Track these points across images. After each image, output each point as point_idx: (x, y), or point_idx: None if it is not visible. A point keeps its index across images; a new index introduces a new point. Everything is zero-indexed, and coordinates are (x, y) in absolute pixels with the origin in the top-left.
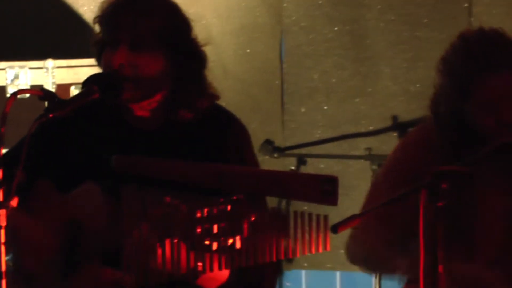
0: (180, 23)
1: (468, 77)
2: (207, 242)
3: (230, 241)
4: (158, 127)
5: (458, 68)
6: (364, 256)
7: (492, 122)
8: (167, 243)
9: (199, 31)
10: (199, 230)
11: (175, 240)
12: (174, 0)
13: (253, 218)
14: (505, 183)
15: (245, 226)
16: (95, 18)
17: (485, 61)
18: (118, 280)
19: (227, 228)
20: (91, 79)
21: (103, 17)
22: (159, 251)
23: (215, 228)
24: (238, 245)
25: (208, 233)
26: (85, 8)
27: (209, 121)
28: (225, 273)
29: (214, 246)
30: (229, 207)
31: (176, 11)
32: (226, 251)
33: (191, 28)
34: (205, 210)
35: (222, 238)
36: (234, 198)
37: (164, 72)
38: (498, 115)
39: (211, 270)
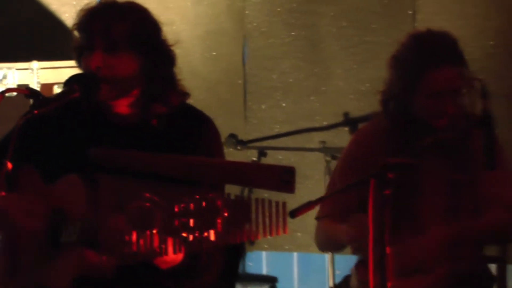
0: (150, 27)
1: (417, 71)
2: (184, 235)
3: (201, 233)
4: (134, 122)
5: (408, 63)
6: (322, 238)
7: (437, 113)
8: (142, 234)
9: (169, 36)
10: (176, 223)
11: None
12: (146, 7)
13: (226, 214)
14: (446, 171)
15: (219, 220)
16: (73, 25)
17: (431, 57)
18: (98, 262)
19: (202, 222)
20: (72, 79)
21: (80, 24)
22: (133, 239)
23: (191, 222)
24: (212, 237)
25: (184, 227)
26: (67, 15)
27: (182, 118)
28: (180, 255)
29: (190, 238)
30: (204, 203)
31: (146, 16)
32: (197, 240)
33: (161, 31)
34: (182, 205)
35: (198, 232)
36: (210, 195)
37: (138, 72)
38: (442, 106)
39: (175, 253)
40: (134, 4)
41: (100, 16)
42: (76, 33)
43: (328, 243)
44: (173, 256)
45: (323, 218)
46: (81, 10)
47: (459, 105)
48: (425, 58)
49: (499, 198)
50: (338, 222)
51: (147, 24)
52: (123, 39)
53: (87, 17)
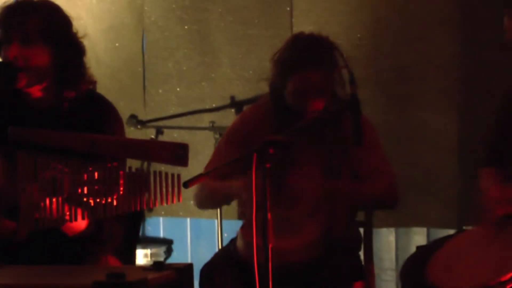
0: (61, 21)
1: (286, 71)
2: (85, 199)
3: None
4: (48, 105)
5: (281, 63)
6: (205, 193)
7: (301, 109)
8: (54, 200)
9: (79, 29)
10: (80, 190)
11: (60, 198)
12: (57, 3)
13: (122, 181)
14: (317, 149)
15: (116, 187)
16: None
17: (299, 60)
18: (14, 229)
19: (103, 189)
20: None
21: (0, 20)
22: (47, 206)
23: (96, 189)
24: (114, 203)
25: (88, 193)
26: None
27: (89, 102)
28: (83, 223)
29: (91, 203)
30: (103, 172)
31: (57, 12)
32: (101, 206)
33: (71, 25)
34: (87, 174)
35: (98, 198)
36: (109, 165)
37: (51, 61)
38: (305, 104)
39: (82, 219)
40: (46, 2)
41: (16, 12)
42: None
43: (212, 198)
44: (79, 224)
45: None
46: (1, 7)
47: (324, 101)
48: (294, 61)
49: (369, 169)
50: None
51: (59, 19)
52: (36, 32)
53: (5, 13)
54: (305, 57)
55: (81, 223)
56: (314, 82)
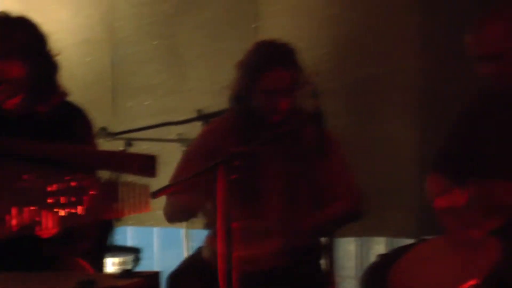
0: (37, 38)
1: (255, 72)
2: (56, 209)
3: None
4: (22, 117)
5: (249, 65)
6: (174, 208)
7: (271, 108)
8: (25, 209)
9: (52, 44)
10: (51, 199)
11: (32, 207)
12: (33, 20)
13: (92, 192)
14: (283, 159)
15: (86, 197)
16: None
17: (267, 60)
18: None
19: (74, 199)
20: None
21: None
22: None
23: (63, 199)
24: (81, 213)
25: (59, 202)
26: None
27: (62, 114)
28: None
29: (62, 212)
30: (74, 183)
31: (34, 29)
32: (71, 215)
33: (47, 42)
34: (55, 185)
35: (69, 208)
36: (80, 176)
37: (27, 75)
38: (275, 103)
39: (51, 227)
40: (24, 19)
41: None
42: None
43: (180, 212)
44: (51, 229)
45: (175, 192)
46: None
47: (291, 102)
48: (262, 61)
49: (331, 181)
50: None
51: (35, 36)
52: (14, 48)
53: None
54: (274, 56)
55: (54, 229)
56: (283, 80)
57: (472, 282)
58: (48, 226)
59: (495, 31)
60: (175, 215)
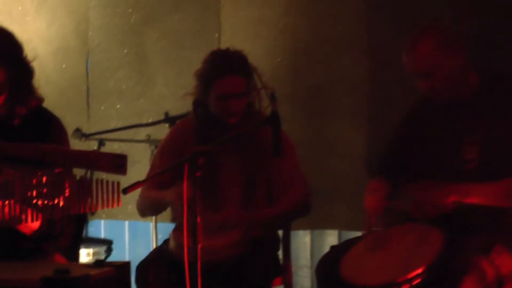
0: (14, 46)
1: (209, 79)
2: (34, 201)
3: (51, 201)
4: (1, 120)
5: (205, 73)
6: (145, 203)
7: (225, 112)
8: (6, 202)
9: (29, 51)
10: (30, 193)
11: (12, 200)
12: (10, 28)
13: (67, 187)
14: (240, 157)
15: (62, 191)
16: None
17: (219, 68)
18: None
19: (51, 192)
20: None
21: None
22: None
23: (41, 192)
24: (60, 204)
25: (37, 195)
26: None
27: (37, 117)
28: (36, 223)
29: (39, 204)
30: (50, 178)
31: (11, 38)
32: (48, 208)
33: (23, 49)
34: (33, 180)
35: (46, 200)
36: (56, 171)
37: (4, 82)
38: (228, 107)
39: (32, 221)
40: (1, 29)
41: None
42: None
43: (151, 207)
44: (32, 223)
45: (146, 188)
46: None
47: (243, 105)
48: (214, 69)
49: (285, 179)
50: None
51: (12, 45)
52: None
53: None
54: (224, 64)
55: (35, 223)
56: (234, 85)
57: (417, 271)
58: (27, 219)
59: (424, 51)
60: (146, 210)
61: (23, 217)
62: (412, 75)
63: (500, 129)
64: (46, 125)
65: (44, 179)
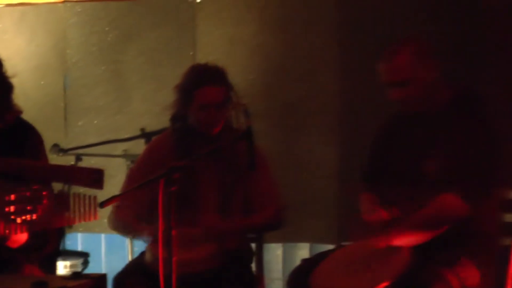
0: None
1: (189, 90)
2: (12, 217)
3: (29, 216)
4: None
5: (184, 86)
6: (120, 225)
7: (206, 122)
8: None
9: (9, 68)
10: (7, 209)
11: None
12: None
13: (45, 201)
14: (217, 170)
15: (40, 206)
16: None
17: (199, 79)
18: None
19: (29, 207)
20: None
21: None
22: None
23: (19, 207)
24: (38, 219)
25: (15, 211)
26: None
27: (17, 131)
28: (24, 236)
29: (18, 220)
30: (28, 193)
31: None
32: (27, 223)
33: (2, 66)
34: (12, 196)
35: (24, 215)
36: (34, 187)
37: None
38: (208, 117)
39: (15, 233)
40: None
41: None
42: None
43: (124, 230)
44: (18, 237)
45: (122, 208)
46: None
47: (224, 115)
48: (194, 80)
49: (259, 192)
50: (137, 220)
51: None
52: None
53: None
54: (204, 75)
55: (21, 237)
56: (215, 95)
57: (384, 284)
58: (9, 233)
59: (403, 60)
60: (119, 231)
61: (7, 232)
62: (388, 83)
63: (461, 145)
64: (24, 135)
65: (22, 194)
